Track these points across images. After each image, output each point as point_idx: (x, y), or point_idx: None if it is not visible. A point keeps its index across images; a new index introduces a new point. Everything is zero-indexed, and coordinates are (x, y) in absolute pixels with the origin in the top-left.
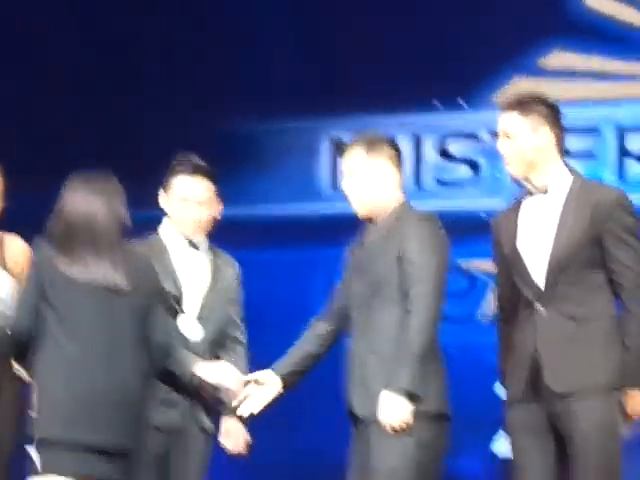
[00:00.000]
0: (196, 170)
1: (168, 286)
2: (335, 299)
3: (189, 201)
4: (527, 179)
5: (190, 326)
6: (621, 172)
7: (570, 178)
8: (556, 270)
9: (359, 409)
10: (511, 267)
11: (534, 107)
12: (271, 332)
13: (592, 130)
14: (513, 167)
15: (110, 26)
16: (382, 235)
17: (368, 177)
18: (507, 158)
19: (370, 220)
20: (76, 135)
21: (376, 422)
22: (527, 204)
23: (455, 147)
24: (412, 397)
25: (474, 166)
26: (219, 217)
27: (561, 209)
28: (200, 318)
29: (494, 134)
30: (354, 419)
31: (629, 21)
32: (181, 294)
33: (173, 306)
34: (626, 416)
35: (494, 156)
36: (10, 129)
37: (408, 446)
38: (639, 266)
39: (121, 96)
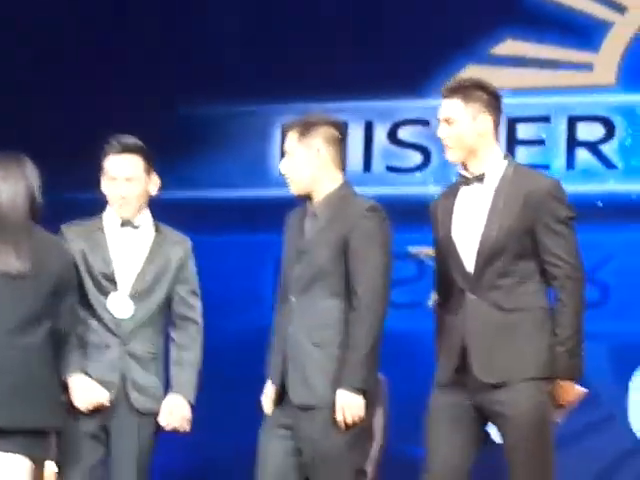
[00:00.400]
0: (124, 148)
1: (99, 265)
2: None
3: (117, 179)
4: (464, 165)
5: (119, 303)
6: (571, 161)
7: (504, 165)
8: (485, 258)
9: (297, 397)
10: (445, 253)
11: (475, 94)
12: (224, 314)
13: (543, 118)
14: (453, 153)
15: (67, 8)
16: (325, 222)
17: (301, 158)
18: (447, 143)
19: (307, 197)
20: (28, 118)
21: (320, 411)
22: (464, 191)
23: (406, 134)
24: (365, 393)
25: (424, 153)
26: (154, 193)
27: (492, 196)
28: (133, 296)
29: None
30: (279, 401)
31: (581, 9)
32: (112, 272)
33: (102, 285)
34: (557, 405)
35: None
36: None
37: (356, 432)
38: (571, 256)
39: (74, 80)
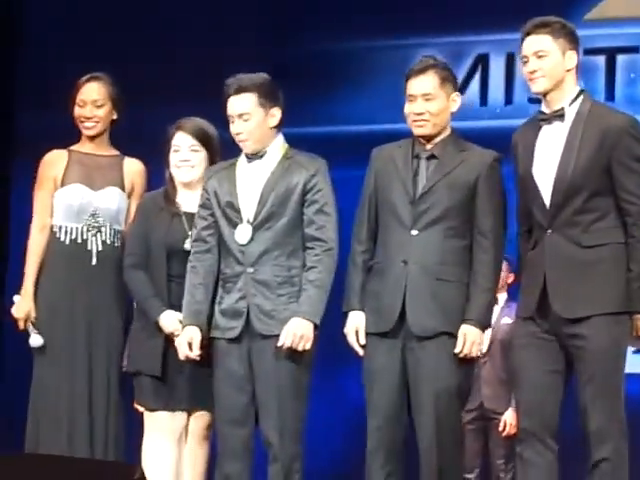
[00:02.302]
0: (238, 89)
1: (226, 197)
2: (370, 217)
3: (233, 117)
4: (548, 98)
5: (243, 232)
6: None
7: (581, 102)
8: (562, 195)
9: (419, 327)
10: (526, 188)
11: (563, 31)
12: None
13: None
14: (541, 82)
15: None
16: (449, 165)
17: (441, 103)
18: (537, 75)
19: (428, 138)
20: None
21: (439, 340)
22: (545, 129)
23: None
24: (484, 328)
25: None
26: (273, 125)
27: (568, 133)
28: (255, 223)
29: (586, 52)
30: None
31: None
32: (237, 202)
33: (229, 216)
34: (637, 337)
35: (585, 75)
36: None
37: (470, 365)
38: None
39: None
